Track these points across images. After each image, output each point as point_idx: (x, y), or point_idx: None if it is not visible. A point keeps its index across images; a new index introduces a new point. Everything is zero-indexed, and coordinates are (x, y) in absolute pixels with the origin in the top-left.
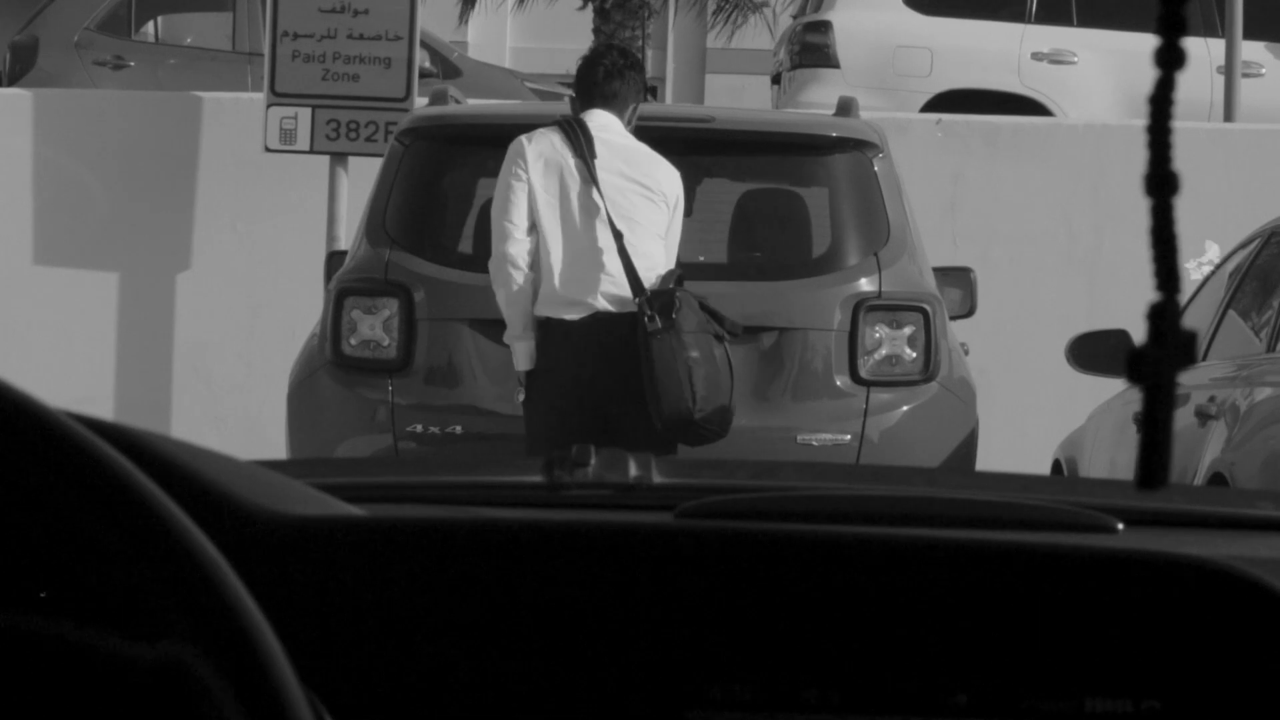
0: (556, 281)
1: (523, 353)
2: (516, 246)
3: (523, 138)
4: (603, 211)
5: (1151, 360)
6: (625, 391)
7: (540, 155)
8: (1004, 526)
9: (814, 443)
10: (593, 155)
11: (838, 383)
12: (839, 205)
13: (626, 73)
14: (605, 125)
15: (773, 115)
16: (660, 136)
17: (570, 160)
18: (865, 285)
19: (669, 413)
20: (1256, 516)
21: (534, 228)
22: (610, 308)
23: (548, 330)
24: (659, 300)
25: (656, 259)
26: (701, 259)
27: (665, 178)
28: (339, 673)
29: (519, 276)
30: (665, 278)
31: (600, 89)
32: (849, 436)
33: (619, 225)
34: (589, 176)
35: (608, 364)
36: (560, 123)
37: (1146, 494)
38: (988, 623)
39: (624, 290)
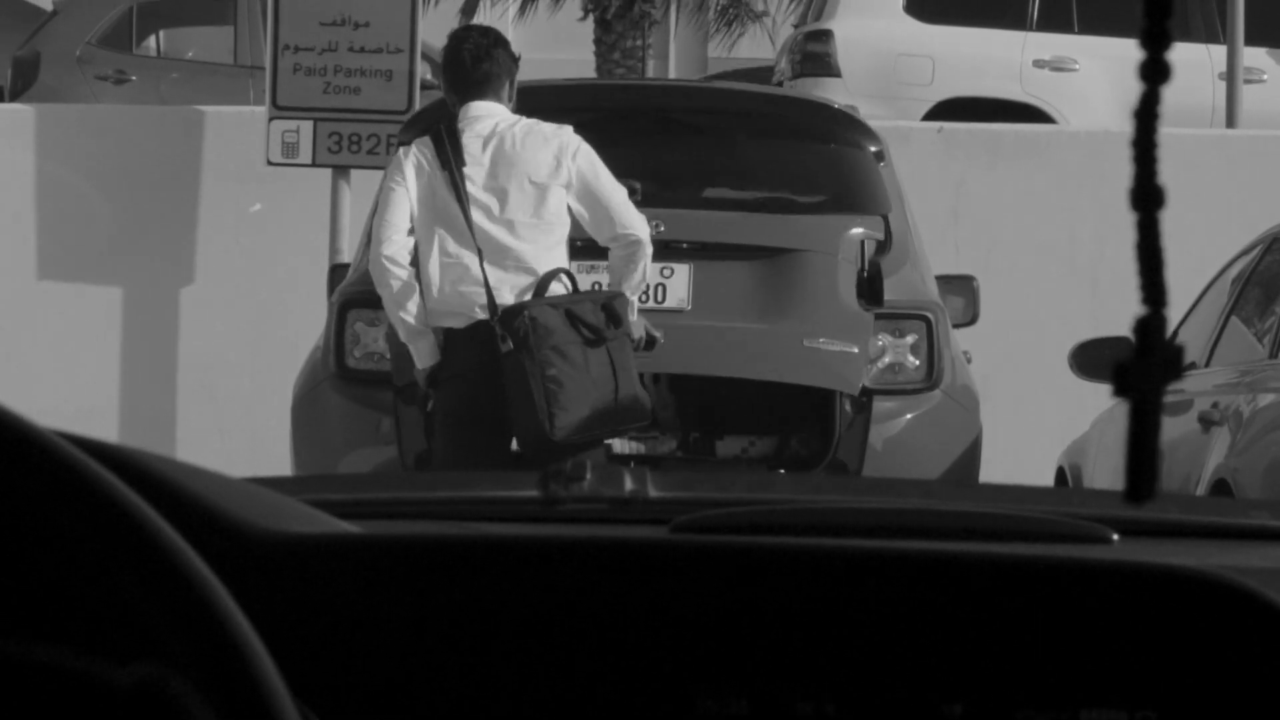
0: (434, 292)
1: (424, 350)
2: (393, 247)
3: (400, 150)
4: (463, 224)
5: (1138, 373)
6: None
7: (415, 167)
8: (999, 538)
9: (820, 346)
10: (460, 164)
11: (847, 303)
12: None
13: (493, 51)
14: (482, 115)
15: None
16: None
17: (439, 174)
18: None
19: (524, 436)
20: (1251, 526)
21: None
22: (484, 317)
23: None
24: (509, 318)
25: (538, 260)
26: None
27: (546, 155)
28: (333, 690)
29: (401, 274)
30: (542, 282)
31: (470, 76)
32: (855, 349)
33: (485, 235)
34: (453, 186)
35: (488, 374)
36: (434, 131)
37: (1135, 506)
38: (983, 634)
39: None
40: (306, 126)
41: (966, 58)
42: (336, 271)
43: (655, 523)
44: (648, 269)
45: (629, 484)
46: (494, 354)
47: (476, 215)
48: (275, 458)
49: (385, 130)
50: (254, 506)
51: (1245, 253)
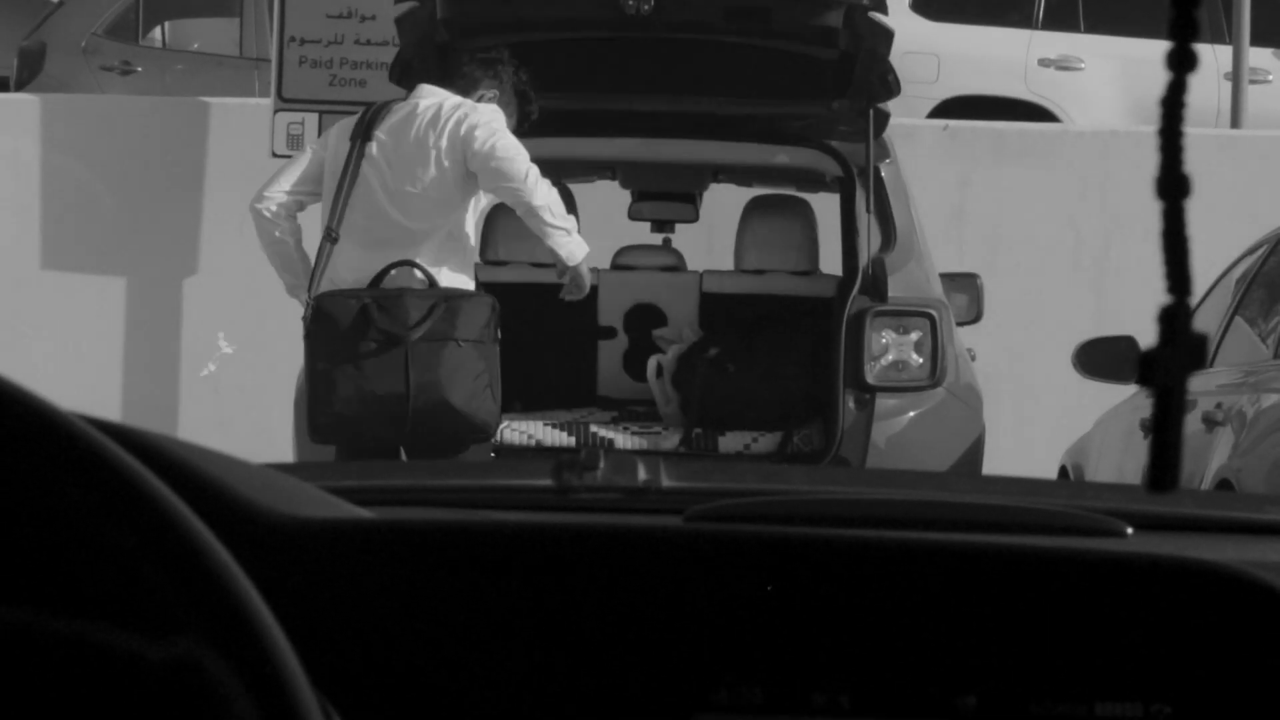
0: (322, 268)
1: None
2: (263, 201)
3: (340, 123)
4: (341, 198)
5: (1162, 363)
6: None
7: (337, 134)
8: (1013, 530)
9: None
10: (366, 139)
11: None
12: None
13: (495, 64)
14: (425, 95)
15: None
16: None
17: (345, 144)
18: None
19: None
20: (1266, 521)
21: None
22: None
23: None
24: (381, 300)
25: (414, 242)
26: None
27: (457, 132)
28: (349, 674)
29: (268, 228)
30: (387, 268)
31: (450, 67)
32: None
33: (363, 211)
34: (349, 157)
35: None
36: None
37: (1156, 497)
38: (997, 626)
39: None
40: (312, 119)
41: (972, 56)
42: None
43: (669, 512)
44: (561, 237)
45: (642, 473)
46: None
47: (360, 191)
48: (278, 449)
49: None
50: (271, 491)
51: (1250, 253)
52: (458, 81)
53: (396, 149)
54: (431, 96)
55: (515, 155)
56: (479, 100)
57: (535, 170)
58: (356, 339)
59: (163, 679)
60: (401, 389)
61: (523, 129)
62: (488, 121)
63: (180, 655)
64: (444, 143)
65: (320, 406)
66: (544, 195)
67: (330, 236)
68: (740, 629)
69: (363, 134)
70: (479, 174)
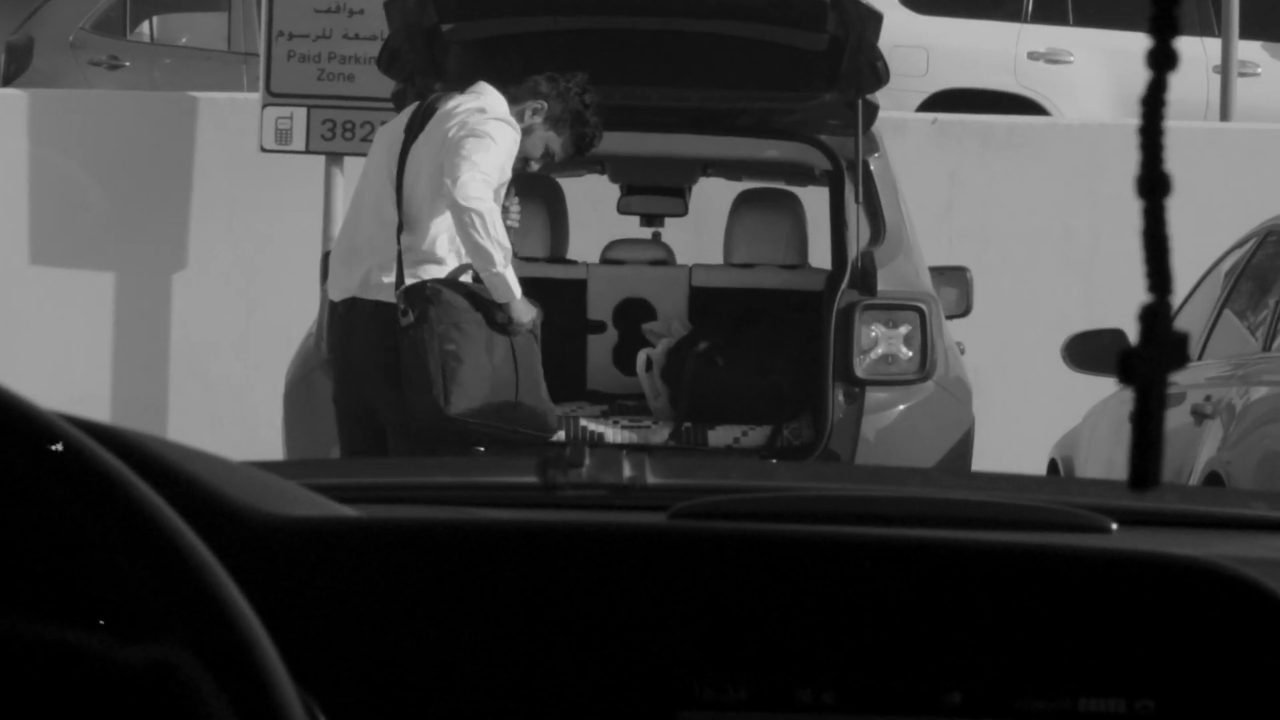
0: (339, 262)
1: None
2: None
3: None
4: (391, 193)
5: (1143, 361)
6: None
7: (381, 136)
8: (998, 526)
9: None
10: (417, 130)
11: None
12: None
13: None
14: (469, 92)
15: None
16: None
17: (399, 136)
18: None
19: (417, 418)
20: (1250, 517)
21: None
22: (375, 296)
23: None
24: (412, 293)
25: (441, 240)
26: None
27: (472, 125)
28: (333, 673)
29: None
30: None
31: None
32: None
33: (406, 208)
34: (398, 155)
35: (365, 354)
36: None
37: (1139, 494)
38: (982, 623)
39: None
40: (300, 113)
41: (961, 49)
42: (329, 258)
43: (654, 509)
44: (486, 245)
45: (628, 470)
46: (382, 329)
47: (405, 187)
48: (268, 444)
49: (379, 118)
50: (253, 490)
51: (1239, 246)
52: (510, 89)
53: (424, 148)
54: (477, 93)
55: (478, 164)
56: (528, 111)
57: (488, 195)
58: (473, 322)
59: (142, 681)
60: (514, 380)
61: (579, 151)
62: (478, 124)
63: (159, 657)
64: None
65: (455, 387)
66: (481, 219)
67: (400, 229)
68: (725, 626)
69: (406, 136)
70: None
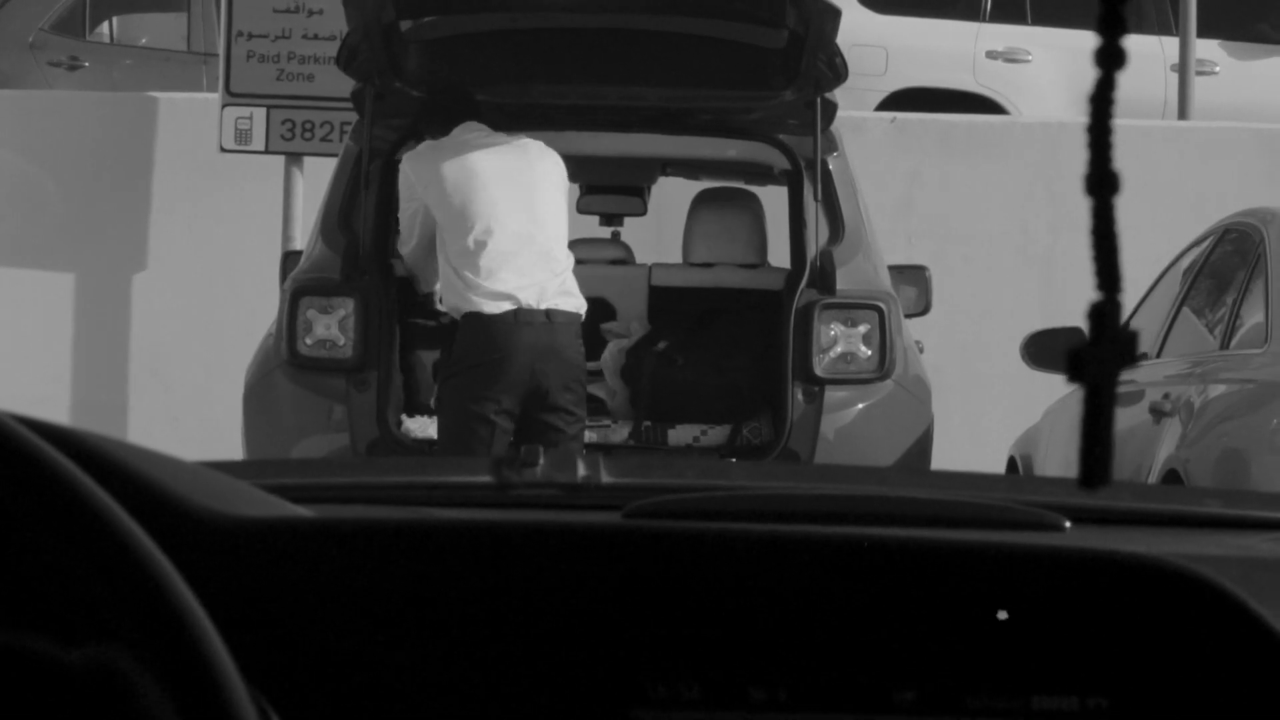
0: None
1: None
2: None
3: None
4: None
5: (1092, 360)
6: None
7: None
8: (952, 525)
9: None
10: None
11: None
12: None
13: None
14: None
15: None
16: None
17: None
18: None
19: None
20: (1203, 514)
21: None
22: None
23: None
24: None
25: None
26: None
27: None
28: (286, 674)
29: None
30: None
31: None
32: None
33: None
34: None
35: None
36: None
37: (1089, 492)
38: (935, 621)
39: None
40: (260, 113)
41: (920, 48)
42: (289, 259)
43: (608, 508)
44: None
45: (582, 470)
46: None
47: None
48: (227, 445)
49: (339, 118)
50: (207, 490)
51: (1197, 244)
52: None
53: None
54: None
55: None
56: None
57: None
58: None
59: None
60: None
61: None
62: None
63: (108, 661)
64: None
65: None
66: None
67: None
68: (678, 624)
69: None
70: None
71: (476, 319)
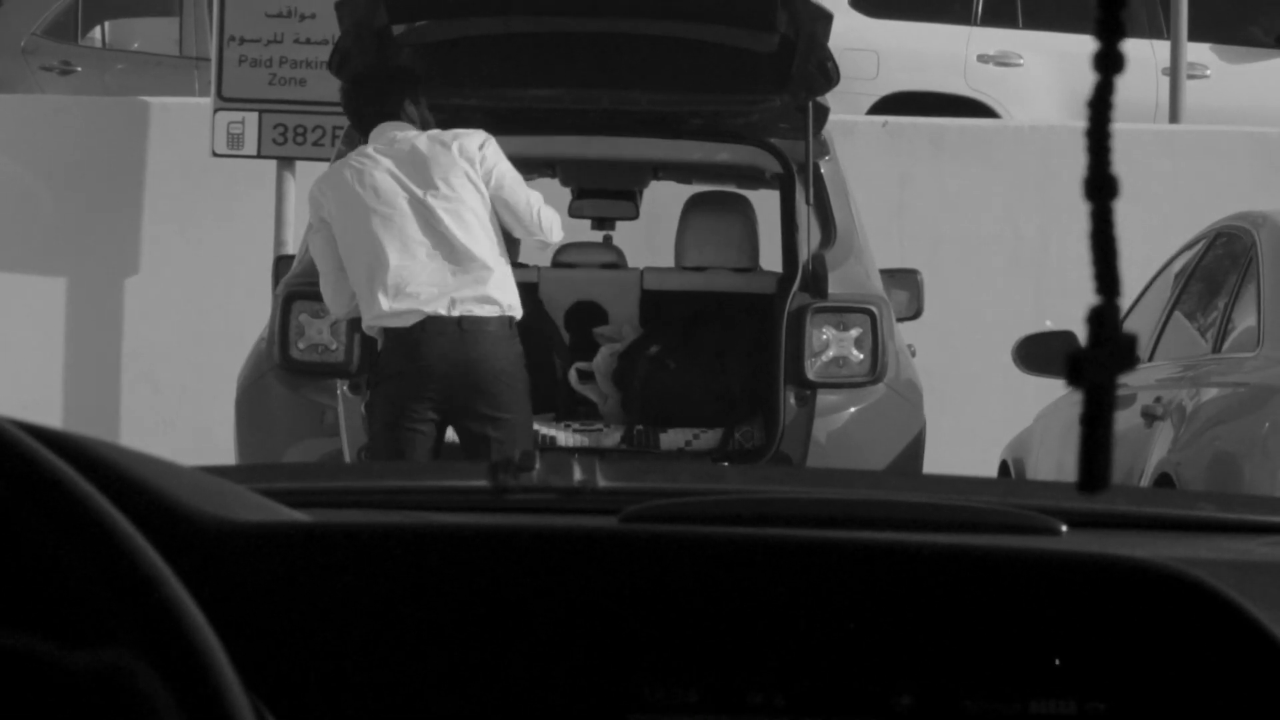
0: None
1: None
2: None
3: None
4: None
5: (1091, 363)
6: None
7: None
8: (949, 529)
9: None
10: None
11: None
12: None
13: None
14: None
15: None
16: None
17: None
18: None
19: None
20: (1199, 518)
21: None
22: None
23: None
24: None
25: None
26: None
27: None
28: (284, 678)
29: None
30: None
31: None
32: None
33: None
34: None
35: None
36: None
37: (1088, 496)
38: (932, 625)
39: None
40: (252, 118)
41: (911, 52)
42: (281, 263)
43: (604, 513)
44: None
45: (578, 474)
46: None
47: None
48: (219, 449)
49: (331, 122)
50: (203, 494)
51: (1189, 248)
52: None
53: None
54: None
55: None
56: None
57: None
58: None
59: (89, 688)
60: None
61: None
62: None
63: (108, 663)
64: None
65: None
66: None
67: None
68: (675, 629)
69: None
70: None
71: (392, 333)
